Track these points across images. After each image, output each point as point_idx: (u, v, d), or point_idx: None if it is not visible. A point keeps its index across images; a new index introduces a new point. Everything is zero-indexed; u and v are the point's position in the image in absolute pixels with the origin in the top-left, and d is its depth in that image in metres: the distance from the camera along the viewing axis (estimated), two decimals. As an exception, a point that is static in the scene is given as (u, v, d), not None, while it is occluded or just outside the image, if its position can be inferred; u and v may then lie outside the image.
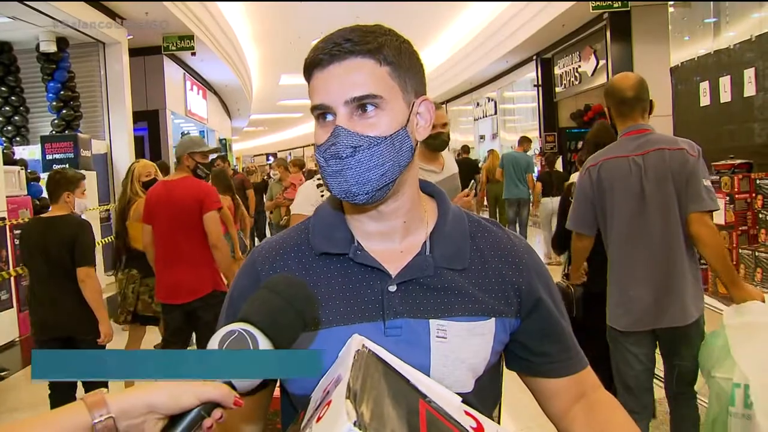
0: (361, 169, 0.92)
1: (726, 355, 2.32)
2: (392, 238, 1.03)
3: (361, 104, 0.92)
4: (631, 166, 2.54)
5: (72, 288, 3.38)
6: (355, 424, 0.72)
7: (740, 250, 5.76)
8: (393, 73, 0.95)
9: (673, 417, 2.79)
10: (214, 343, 0.78)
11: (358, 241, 1.02)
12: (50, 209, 3.65)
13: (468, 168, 10.25)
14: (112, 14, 9.72)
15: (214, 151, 4.30)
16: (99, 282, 3.58)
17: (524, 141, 10.41)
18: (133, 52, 11.04)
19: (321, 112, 0.95)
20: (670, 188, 2.49)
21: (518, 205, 9.73)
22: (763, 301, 2.45)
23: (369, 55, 0.93)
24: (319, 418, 0.82)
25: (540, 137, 14.80)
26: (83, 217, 3.79)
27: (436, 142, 3.18)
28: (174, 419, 0.76)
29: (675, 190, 2.48)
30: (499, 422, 1.20)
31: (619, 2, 10.34)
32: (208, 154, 4.03)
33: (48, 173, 4.67)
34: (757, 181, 5.76)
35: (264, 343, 0.79)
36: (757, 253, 5.42)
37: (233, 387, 0.79)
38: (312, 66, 0.95)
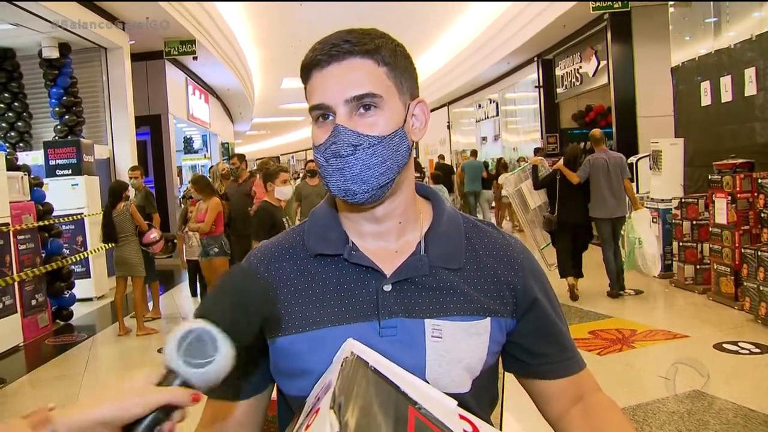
0: (361, 167, 0.93)
1: (632, 228, 6.81)
2: (387, 239, 1.03)
3: (360, 103, 0.93)
4: (603, 160, 6.67)
5: None
6: None
7: (743, 250, 5.74)
8: (390, 73, 0.96)
9: (606, 256, 6.85)
10: (173, 342, 0.76)
11: (352, 242, 1.03)
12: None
13: (445, 172, 13.99)
14: (114, 19, 9.76)
15: None
16: None
17: (473, 153, 15.49)
18: (135, 57, 11.07)
19: (321, 112, 0.96)
20: (617, 169, 6.65)
21: (475, 195, 14.05)
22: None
23: (368, 55, 0.94)
24: (307, 426, 0.82)
25: (542, 138, 14.79)
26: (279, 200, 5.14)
27: None
28: (127, 428, 0.73)
29: (619, 170, 6.68)
30: (501, 424, 1.20)
31: (620, 3, 10.32)
32: None
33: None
34: (759, 181, 5.74)
35: (222, 341, 0.77)
36: (759, 253, 5.39)
37: (191, 386, 0.76)
38: (310, 67, 0.96)
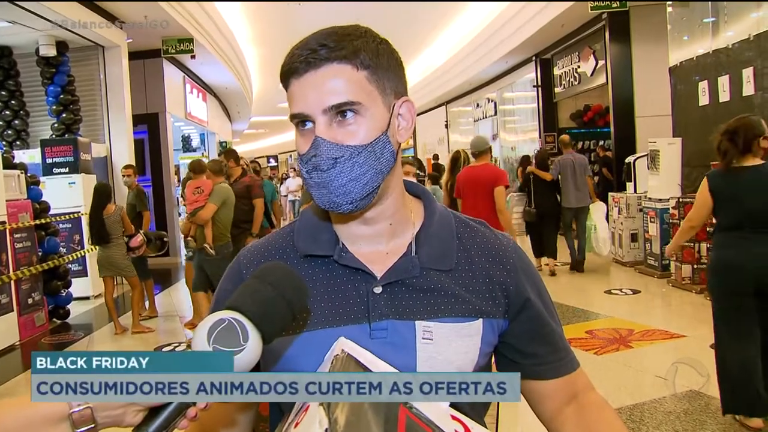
0: (343, 180, 0.91)
1: (589, 217, 8.39)
2: (378, 241, 1.02)
3: (339, 111, 0.91)
4: (570, 161, 8.36)
5: None
6: (326, 431, 0.71)
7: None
8: (371, 77, 0.93)
9: (568, 239, 8.75)
10: (203, 331, 0.77)
11: (343, 243, 1.02)
12: None
13: (439, 172, 14.26)
14: (112, 18, 9.73)
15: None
16: None
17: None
18: (133, 56, 11.04)
19: (300, 120, 0.94)
20: (581, 168, 8.35)
21: None
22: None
23: (345, 60, 0.91)
24: (296, 424, 0.82)
25: (540, 138, 14.78)
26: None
27: None
28: (154, 410, 0.76)
29: (583, 169, 8.37)
30: (497, 425, 1.20)
31: (618, 2, 10.32)
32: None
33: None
34: (756, 181, 5.73)
35: (253, 333, 0.78)
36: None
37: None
38: (288, 74, 0.94)
